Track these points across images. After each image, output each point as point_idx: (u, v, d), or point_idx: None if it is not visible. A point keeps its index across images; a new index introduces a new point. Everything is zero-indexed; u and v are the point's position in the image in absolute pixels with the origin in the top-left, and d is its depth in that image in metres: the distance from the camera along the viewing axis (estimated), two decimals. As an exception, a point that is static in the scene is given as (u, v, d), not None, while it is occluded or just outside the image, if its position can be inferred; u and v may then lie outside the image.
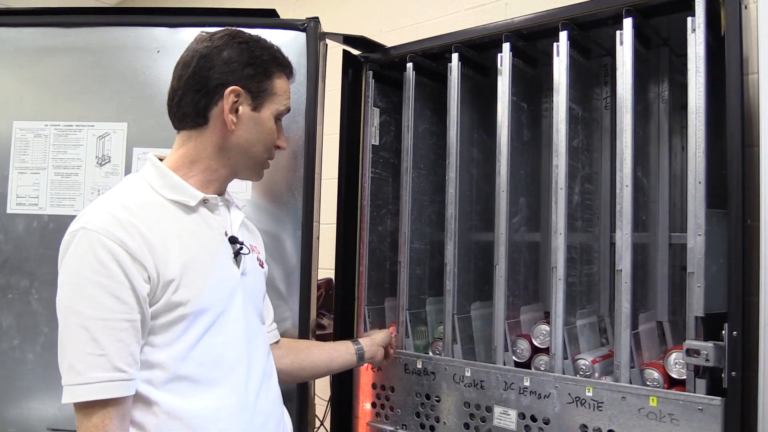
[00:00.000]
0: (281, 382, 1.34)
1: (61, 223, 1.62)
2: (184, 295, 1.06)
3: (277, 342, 1.43)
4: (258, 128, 1.19)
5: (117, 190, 1.14)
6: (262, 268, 1.32)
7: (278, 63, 1.21)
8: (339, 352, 1.54)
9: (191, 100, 1.15)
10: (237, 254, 1.20)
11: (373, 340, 1.61)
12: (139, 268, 1.02)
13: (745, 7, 1.33)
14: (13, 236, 1.63)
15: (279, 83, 1.21)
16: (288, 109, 1.25)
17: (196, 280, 1.09)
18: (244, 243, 1.23)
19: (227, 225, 1.22)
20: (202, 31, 1.21)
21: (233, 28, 1.20)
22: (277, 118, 1.23)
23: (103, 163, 1.63)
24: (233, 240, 1.21)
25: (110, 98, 1.66)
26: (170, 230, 1.09)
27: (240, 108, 1.16)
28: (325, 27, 1.73)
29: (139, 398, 1.03)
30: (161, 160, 1.20)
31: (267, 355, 1.27)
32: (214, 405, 1.10)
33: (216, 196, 1.20)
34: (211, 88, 1.14)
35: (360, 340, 1.60)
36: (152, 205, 1.11)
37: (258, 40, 1.20)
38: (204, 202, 1.17)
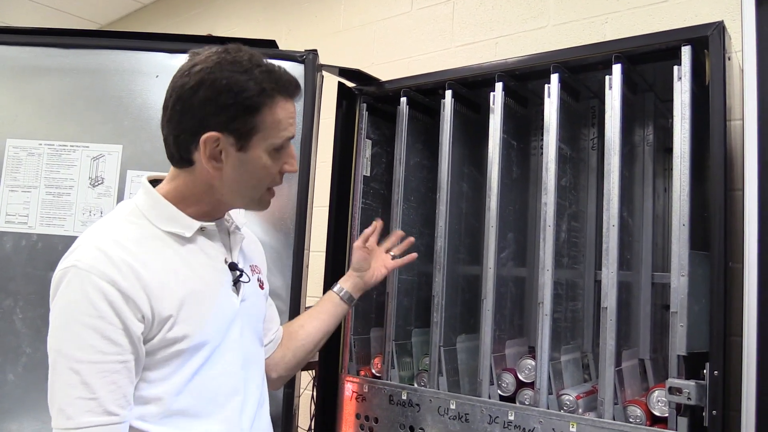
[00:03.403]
0: (292, 372, 1.36)
1: (50, 242, 1.62)
2: (181, 330, 1.03)
3: (280, 343, 1.40)
4: (247, 168, 1.08)
5: (110, 221, 1.09)
6: (262, 289, 1.27)
7: (266, 94, 1.05)
8: (329, 314, 1.46)
9: (173, 143, 1.08)
10: (236, 282, 1.16)
11: (350, 275, 1.51)
12: (132, 308, 0.98)
13: (729, 59, 1.39)
14: (-1, 254, 1.62)
15: (271, 115, 1.06)
16: (289, 137, 1.12)
17: (194, 314, 1.05)
18: (244, 270, 1.19)
19: (226, 252, 1.17)
20: (191, 51, 1.09)
21: (219, 55, 1.05)
22: (276, 149, 1.10)
23: (96, 184, 1.64)
24: (233, 267, 1.16)
25: (106, 120, 1.67)
26: (166, 265, 1.05)
27: (223, 151, 1.05)
28: (321, 58, 1.76)
29: None
30: (156, 182, 1.14)
31: (262, 382, 1.24)
32: None
33: (212, 223, 1.14)
34: (188, 134, 1.05)
35: (341, 280, 1.51)
36: (147, 239, 1.06)
37: (245, 71, 1.04)
38: (201, 230, 1.12)
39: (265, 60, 1.08)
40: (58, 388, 0.95)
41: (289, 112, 1.10)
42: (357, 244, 1.53)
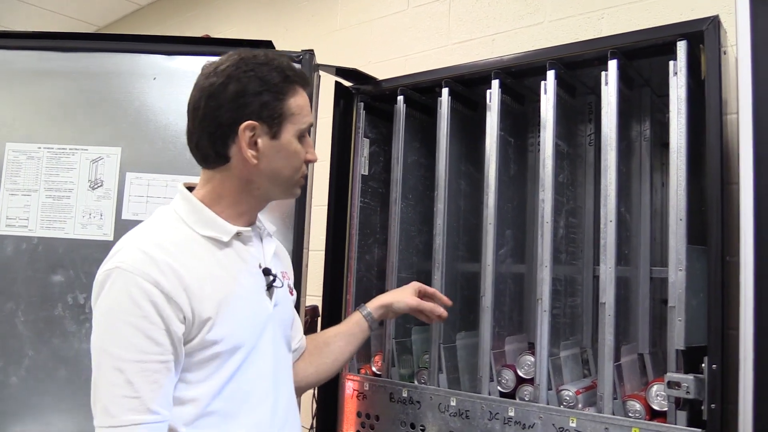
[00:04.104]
0: (310, 386, 1.39)
1: (51, 245, 1.63)
2: (219, 333, 1.06)
3: (303, 353, 1.42)
4: (282, 154, 1.14)
5: (150, 225, 1.12)
6: (292, 295, 1.31)
7: (290, 81, 1.15)
8: (356, 338, 1.47)
9: (208, 143, 1.12)
10: (270, 287, 1.19)
11: (383, 305, 1.50)
12: (174, 309, 1.01)
13: (724, 53, 1.39)
14: (0, 257, 1.62)
15: (294, 102, 1.15)
16: (311, 124, 1.20)
17: (231, 317, 1.08)
18: (277, 275, 1.22)
19: (260, 257, 1.21)
20: (208, 61, 1.16)
21: (238, 54, 1.14)
22: (301, 135, 1.17)
23: (96, 186, 1.64)
24: (267, 272, 1.20)
25: (105, 123, 1.67)
26: (205, 268, 1.08)
27: (259, 140, 1.11)
28: (317, 57, 1.77)
29: None
30: (191, 189, 1.18)
31: (291, 386, 1.27)
32: None
33: (249, 228, 1.19)
34: (225, 128, 1.10)
35: (372, 307, 1.50)
36: (186, 243, 1.09)
37: (265, 63, 1.13)
38: (237, 235, 1.15)
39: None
40: (102, 387, 0.98)
41: (307, 100, 1.19)
42: (419, 284, 1.53)
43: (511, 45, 2.27)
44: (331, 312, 1.84)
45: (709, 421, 1.25)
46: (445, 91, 1.72)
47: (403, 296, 1.51)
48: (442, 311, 1.50)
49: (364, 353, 1.84)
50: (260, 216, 1.26)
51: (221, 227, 1.13)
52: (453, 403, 1.58)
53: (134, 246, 1.04)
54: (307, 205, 1.68)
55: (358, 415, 1.74)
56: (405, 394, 1.66)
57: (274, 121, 1.12)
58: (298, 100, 1.16)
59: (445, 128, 1.71)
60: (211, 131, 1.11)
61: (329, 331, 1.50)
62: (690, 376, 1.29)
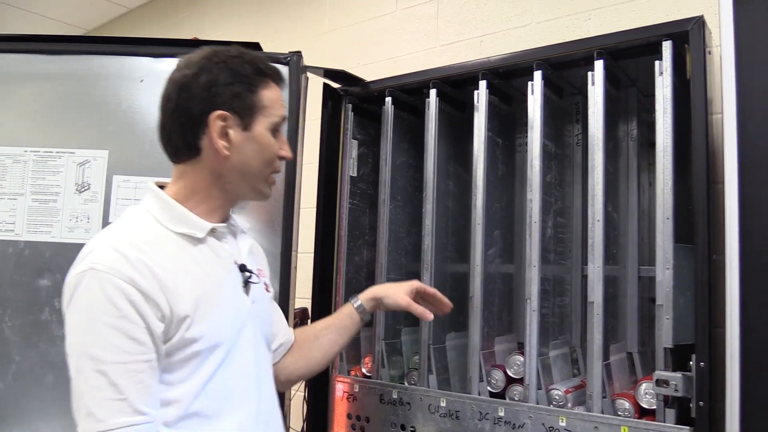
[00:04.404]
0: (300, 379, 1.39)
1: (37, 249, 1.62)
2: (198, 330, 1.04)
3: (291, 345, 1.41)
4: (253, 146, 1.13)
5: (121, 225, 1.10)
6: (268, 292, 1.29)
7: (262, 73, 1.14)
8: (347, 330, 1.44)
9: (179, 134, 1.11)
10: (246, 283, 1.18)
11: (374, 298, 1.46)
12: (153, 307, 0.99)
13: (709, 53, 1.40)
14: (-14, 262, 1.61)
15: (267, 94, 1.14)
16: (284, 118, 1.18)
17: (209, 314, 1.06)
18: (253, 271, 1.20)
19: (235, 253, 1.19)
20: (179, 57, 1.15)
21: (211, 48, 1.13)
22: (274, 129, 1.16)
23: (83, 190, 1.63)
24: (243, 268, 1.18)
25: (92, 125, 1.66)
26: (180, 265, 1.06)
27: (230, 131, 1.10)
28: (304, 59, 1.77)
29: None
30: (162, 187, 1.16)
31: (273, 384, 1.25)
32: None
33: (223, 224, 1.17)
34: (196, 118, 1.09)
35: (364, 299, 1.46)
36: (160, 240, 1.07)
37: (238, 56, 1.13)
38: (212, 232, 1.14)
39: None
40: (85, 392, 0.95)
41: (279, 94, 1.18)
42: (419, 283, 1.48)
43: (499, 46, 2.28)
44: (321, 314, 1.83)
45: (698, 419, 1.26)
46: (432, 92, 1.73)
47: (396, 293, 1.46)
48: (430, 316, 1.45)
49: (354, 355, 1.84)
50: (233, 214, 1.24)
51: (195, 223, 1.11)
52: (443, 404, 1.58)
53: (107, 246, 1.02)
54: (295, 206, 1.67)
55: (349, 417, 1.74)
56: (395, 396, 1.66)
57: (246, 112, 1.11)
58: (270, 93, 1.15)
59: (433, 129, 1.72)
60: (182, 122, 1.10)
61: (320, 323, 1.48)
62: (678, 374, 1.29)
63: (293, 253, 1.68)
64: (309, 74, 1.80)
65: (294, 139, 1.68)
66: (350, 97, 1.89)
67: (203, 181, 1.14)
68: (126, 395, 0.95)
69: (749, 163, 1.21)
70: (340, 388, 1.77)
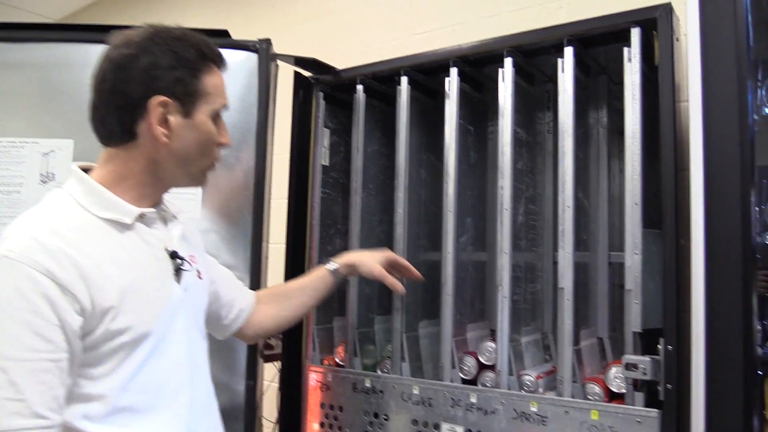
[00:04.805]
0: (267, 333, 1.39)
1: (1, 241, 1.58)
2: (124, 322, 0.99)
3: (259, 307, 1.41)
4: (194, 134, 1.09)
5: (42, 210, 1.03)
6: (201, 279, 1.22)
7: (206, 58, 1.09)
8: (319, 292, 1.48)
9: (115, 118, 1.06)
10: (178, 270, 1.12)
11: (350, 264, 1.52)
12: (70, 300, 0.93)
13: (677, 39, 1.41)
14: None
15: (210, 80, 1.09)
16: (225, 106, 1.14)
17: (137, 304, 1.01)
18: (185, 258, 1.14)
19: (166, 239, 1.13)
20: (114, 33, 1.08)
21: (152, 27, 1.07)
22: (215, 116, 1.12)
23: (47, 180, 1.60)
24: (174, 255, 1.12)
25: (56, 115, 1.63)
26: (106, 253, 1.00)
27: (170, 117, 1.05)
28: (276, 48, 1.75)
29: None
30: (87, 171, 1.10)
31: (209, 375, 1.21)
32: None
33: (153, 209, 1.11)
34: (134, 102, 1.04)
35: (340, 262, 1.51)
36: (84, 227, 1.01)
37: (180, 38, 1.07)
38: (140, 217, 1.08)
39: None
40: None
41: (222, 80, 1.14)
42: (393, 254, 1.56)
43: (472, 35, 2.26)
44: (294, 304, 1.82)
45: (666, 402, 1.28)
46: (404, 79, 1.72)
47: (371, 262, 1.50)
48: (402, 289, 1.53)
49: (327, 344, 1.83)
50: (180, 208, 1.21)
51: (122, 209, 1.05)
52: (416, 392, 1.58)
53: (24, 233, 0.95)
54: (265, 196, 1.66)
55: (322, 406, 1.73)
56: (368, 384, 1.66)
57: (187, 98, 1.07)
58: (213, 79, 1.11)
59: (404, 117, 1.71)
60: (119, 105, 1.05)
61: (293, 283, 1.48)
62: (647, 358, 1.31)
63: (264, 243, 1.67)
64: (279, 62, 1.78)
65: (264, 129, 1.66)
66: (321, 85, 1.87)
67: (136, 167, 1.08)
68: (25, 396, 0.88)
69: (714, 150, 1.22)
70: (314, 378, 1.76)
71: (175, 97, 1.05)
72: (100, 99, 1.07)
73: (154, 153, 1.07)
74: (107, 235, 1.03)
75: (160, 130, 1.05)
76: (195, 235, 1.29)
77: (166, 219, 1.16)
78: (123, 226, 1.05)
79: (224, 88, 1.14)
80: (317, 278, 1.48)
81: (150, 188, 1.11)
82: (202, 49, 1.09)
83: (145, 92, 1.03)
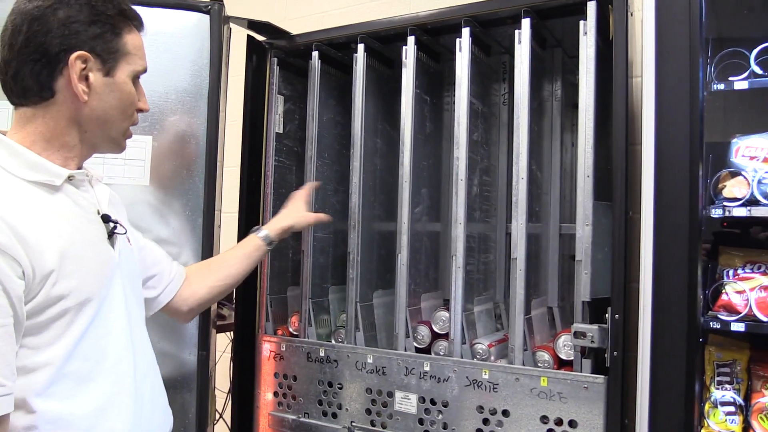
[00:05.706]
0: (203, 306, 1.39)
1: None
2: (65, 286, 0.95)
3: (185, 279, 1.38)
4: (115, 94, 1.04)
5: None
6: (130, 245, 1.18)
7: (126, 16, 1.05)
8: (252, 259, 1.49)
9: (30, 72, 0.99)
10: (111, 234, 1.08)
11: (278, 220, 1.57)
12: (12, 264, 0.88)
13: (631, 14, 1.43)
14: None
15: (131, 39, 1.05)
16: (145, 69, 1.10)
17: (77, 268, 0.97)
18: (118, 222, 1.10)
19: (96, 203, 1.09)
20: None
21: None
22: (135, 78, 1.08)
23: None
24: (106, 218, 1.08)
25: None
26: (40, 217, 0.96)
27: (90, 75, 1.00)
28: (230, 11, 1.69)
29: (16, 408, 0.91)
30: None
31: (149, 342, 1.19)
32: (102, 402, 1.01)
33: (81, 170, 1.07)
34: (53, 56, 0.98)
35: (267, 227, 1.54)
36: (12, 191, 0.96)
37: None
38: (69, 179, 1.03)
39: None
40: None
41: (143, 42, 1.10)
42: (302, 193, 1.64)
43: (429, 4, 2.25)
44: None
45: (612, 368, 1.32)
46: (360, 47, 1.69)
47: (301, 215, 1.59)
48: (328, 217, 1.68)
49: (280, 314, 1.83)
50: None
51: (50, 170, 1.00)
52: (370, 361, 1.59)
53: None
54: (218, 164, 1.62)
55: (276, 376, 1.73)
56: (322, 354, 1.66)
57: (109, 56, 1.02)
58: (134, 39, 1.07)
59: (360, 85, 1.69)
60: (36, 59, 0.98)
61: (227, 254, 1.49)
62: (594, 326, 1.35)
63: (216, 212, 1.64)
64: (232, 25, 1.73)
65: (216, 94, 1.62)
66: (276, 50, 1.83)
67: (57, 127, 1.03)
68: None
69: (665, 125, 1.25)
70: (267, 348, 1.75)
71: (95, 53, 1.01)
72: (12, 53, 0.99)
73: (74, 112, 1.03)
74: (38, 199, 0.98)
75: (80, 87, 1.00)
76: (119, 201, 1.24)
77: (92, 182, 1.11)
78: (53, 189, 1.00)
79: (144, 51, 1.10)
80: (252, 248, 1.49)
81: (74, 150, 1.06)
82: (122, 7, 1.05)
83: (63, 46, 0.98)
